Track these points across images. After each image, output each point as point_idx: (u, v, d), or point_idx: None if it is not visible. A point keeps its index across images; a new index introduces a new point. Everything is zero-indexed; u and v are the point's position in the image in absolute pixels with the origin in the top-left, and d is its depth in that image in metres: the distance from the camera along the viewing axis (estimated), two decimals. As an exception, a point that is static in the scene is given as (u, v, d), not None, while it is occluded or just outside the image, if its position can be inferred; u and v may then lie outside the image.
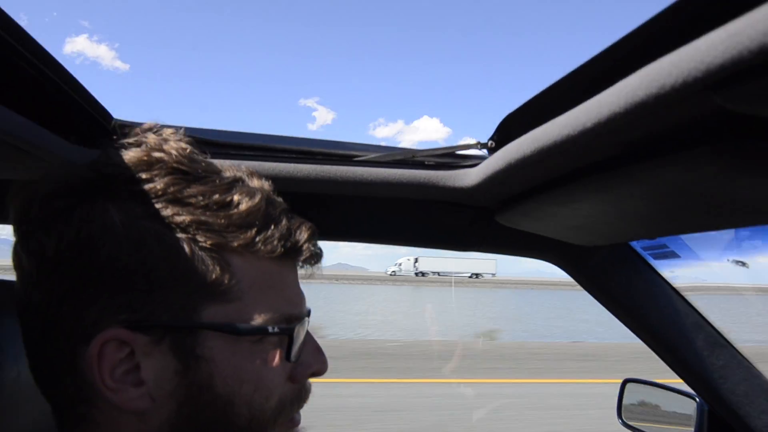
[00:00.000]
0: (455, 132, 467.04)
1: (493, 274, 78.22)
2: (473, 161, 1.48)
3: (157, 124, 0.53)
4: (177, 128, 0.53)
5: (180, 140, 0.50)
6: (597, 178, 0.60)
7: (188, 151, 0.49)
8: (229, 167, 0.54)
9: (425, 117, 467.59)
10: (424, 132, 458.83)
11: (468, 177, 1.49)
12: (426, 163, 1.47)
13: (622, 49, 0.50)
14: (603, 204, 0.68)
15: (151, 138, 0.49)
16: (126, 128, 1.47)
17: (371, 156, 1.46)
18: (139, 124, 1.45)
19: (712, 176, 0.48)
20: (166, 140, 0.50)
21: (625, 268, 1.05)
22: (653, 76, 0.39)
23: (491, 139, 1.49)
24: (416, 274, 75.75)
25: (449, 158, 1.49)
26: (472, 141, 1.52)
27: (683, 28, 0.38)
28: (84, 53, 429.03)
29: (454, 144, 1.53)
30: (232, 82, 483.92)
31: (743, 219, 0.64)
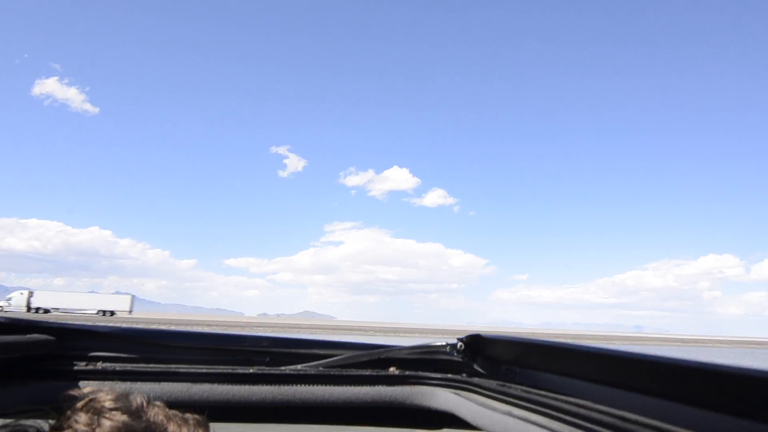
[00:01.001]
0: (424, 182, 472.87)
1: (130, 312, 65.41)
2: (442, 375, 1.44)
3: (96, 395, 0.46)
4: (118, 396, 0.46)
5: (117, 409, 0.45)
6: None
7: (124, 428, 0.44)
8: (174, 417, 0.49)
9: (395, 167, 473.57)
10: (394, 182, 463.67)
11: (436, 397, 1.43)
12: (393, 374, 1.41)
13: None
14: None
15: (82, 421, 0.44)
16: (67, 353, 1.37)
17: (336, 361, 1.40)
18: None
19: None
20: (100, 415, 0.44)
21: None
22: None
23: (461, 341, 1.45)
24: (29, 309, 61.39)
25: (421, 354, 1.43)
26: (442, 343, 1.48)
27: None
28: (53, 95, 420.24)
29: (428, 343, 1.49)
30: (204, 127, 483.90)
31: None
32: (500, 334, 1.27)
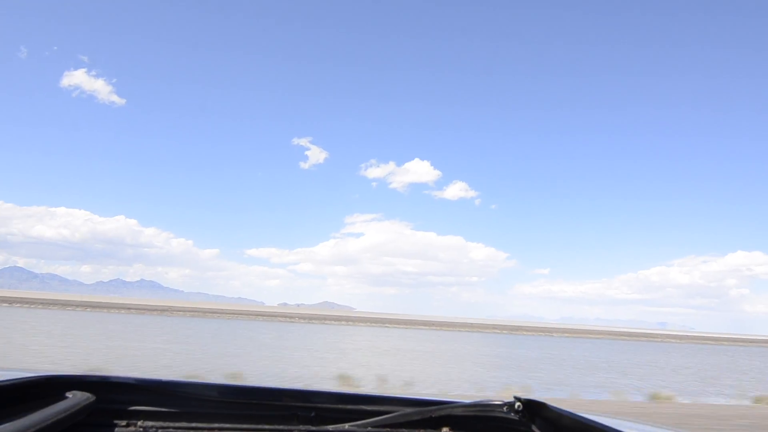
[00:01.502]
0: (445, 175, 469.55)
1: None
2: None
3: None
4: None
5: None
6: None
7: None
8: None
9: (416, 159, 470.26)
10: (415, 174, 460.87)
11: None
12: None
13: None
14: None
15: None
16: None
17: (386, 420, 1.32)
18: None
19: None
20: None
21: None
22: None
23: (518, 400, 1.36)
24: None
25: (475, 412, 1.35)
26: (499, 401, 1.40)
27: None
28: (81, 86, 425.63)
29: (483, 401, 1.40)
30: (227, 119, 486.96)
31: None
32: (562, 408, 1.20)
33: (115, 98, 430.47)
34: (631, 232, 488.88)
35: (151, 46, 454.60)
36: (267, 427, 1.27)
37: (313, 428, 1.29)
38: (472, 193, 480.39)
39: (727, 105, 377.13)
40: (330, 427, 1.30)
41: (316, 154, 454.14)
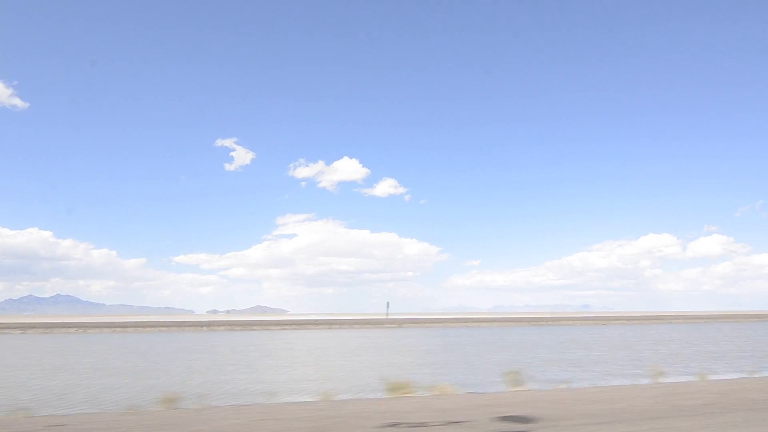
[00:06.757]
0: (374, 172, 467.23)
1: None
2: None
3: None
4: None
5: None
6: None
7: None
8: None
9: (345, 158, 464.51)
10: (344, 173, 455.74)
11: None
12: None
13: None
14: None
15: None
16: None
17: None
18: None
19: None
20: None
21: None
22: None
23: None
24: None
25: None
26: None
27: None
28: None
29: None
30: (143, 121, 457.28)
31: None
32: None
33: (17, 101, 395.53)
34: (554, 221, 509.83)
35: (56, 49, 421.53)
36: None
37: None
38: (401, 190, 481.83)
39: (639, 91, 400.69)
40: None
41: (242, 155, 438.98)
